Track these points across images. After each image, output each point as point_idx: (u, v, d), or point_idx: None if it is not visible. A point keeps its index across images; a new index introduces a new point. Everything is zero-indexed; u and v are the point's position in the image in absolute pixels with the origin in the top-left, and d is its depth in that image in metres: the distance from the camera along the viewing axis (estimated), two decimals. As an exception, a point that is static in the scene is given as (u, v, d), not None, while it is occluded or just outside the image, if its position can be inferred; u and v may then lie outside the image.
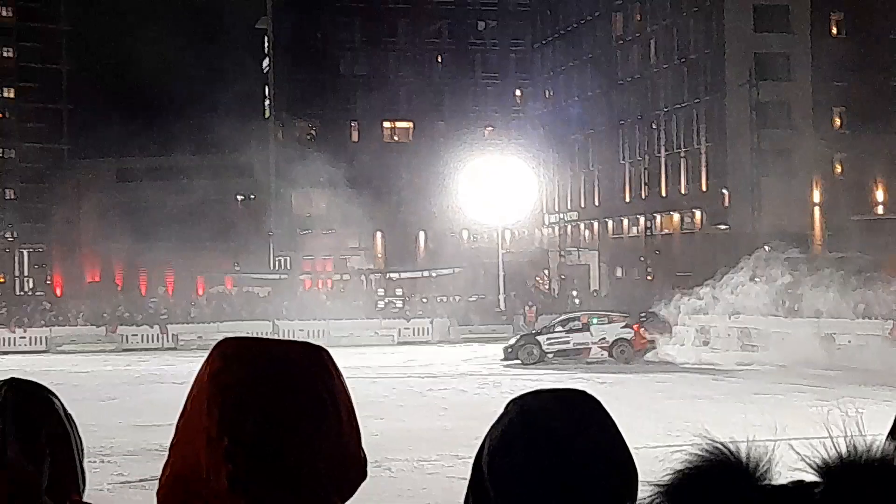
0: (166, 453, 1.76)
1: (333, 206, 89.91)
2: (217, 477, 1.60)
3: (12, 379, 2.04)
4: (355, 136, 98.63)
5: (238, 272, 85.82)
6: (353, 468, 1.74)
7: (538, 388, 1.79)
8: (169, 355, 49.17)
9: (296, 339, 1.87)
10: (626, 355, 41.70)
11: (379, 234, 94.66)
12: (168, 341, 55.73)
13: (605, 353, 42.08)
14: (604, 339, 42.34)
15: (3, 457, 1.90)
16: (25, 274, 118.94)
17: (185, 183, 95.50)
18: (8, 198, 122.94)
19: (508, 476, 1.60)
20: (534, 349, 42.39)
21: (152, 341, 56.13)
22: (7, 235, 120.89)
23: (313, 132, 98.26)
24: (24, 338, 55.71)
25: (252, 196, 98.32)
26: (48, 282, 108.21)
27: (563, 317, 45.81)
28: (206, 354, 1.81)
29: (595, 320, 43.43)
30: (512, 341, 44.11)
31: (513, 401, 1.70)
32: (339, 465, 1.69)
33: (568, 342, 42.67)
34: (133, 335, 56.62)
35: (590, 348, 42.32)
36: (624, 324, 43.14)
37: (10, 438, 1.92)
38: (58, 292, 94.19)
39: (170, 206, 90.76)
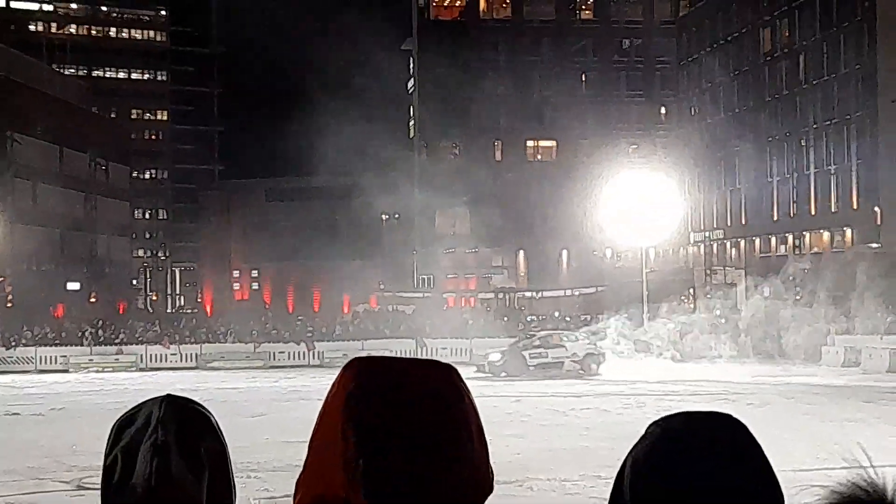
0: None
1: (477, 224, 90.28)
2: (355, 499, 1.59)
3: (169, 395, 2.05)
4: (498, 155, 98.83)
5: (383, 290, 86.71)
6: (484, 485, 1.71)
7: (682, 410, 1.72)
8: (315, 372, 49.74)
9: (428, 357, 1.84)
10: (595, 367, 47.97)
11: (521, 253, 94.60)
12: (314, 358, 56.51)
13: (578, 367, 47.83)
14: (575, 353, 48.55)
15: (168, 472, 1.92)
16: (177, 292, 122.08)
17: (332, 202, 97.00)
18: (161, 218, 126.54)
19: (650, 499, 1.57)
20: (519, 363, 47.82)
21: (299, 358, 56.96)
22: (160, 254, 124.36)
23: (457, 151, 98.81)
24: (176, 354, 57.11)
25: (397, 215, 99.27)
26: (199, 299, 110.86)
27: (542, 334, 51.78)
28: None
29: (564, 337, 49.98)
30: (496, 357, 48.49)
31: (656, 423, 1.66)
32: (473, 484, 1.68)
33: (546, 356, 48.41)
34: (280, 352, 57.54)
35: (563, 362, 48.10)
36: (588, 341, 49.69)
37: (172, 453, 1.94)
38: (208, 310, 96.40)
39: (316, 226, 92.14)
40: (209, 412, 2.07)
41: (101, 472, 2.00)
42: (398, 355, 1.86)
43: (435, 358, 1.93)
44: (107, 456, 1.99)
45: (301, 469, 1.74)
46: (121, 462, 1.96)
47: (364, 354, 1.85)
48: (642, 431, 1.67)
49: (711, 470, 1.54)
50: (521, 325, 61.58)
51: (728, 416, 1.65)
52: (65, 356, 56.26)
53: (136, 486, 1.92)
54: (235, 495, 2.05)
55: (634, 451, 1.63)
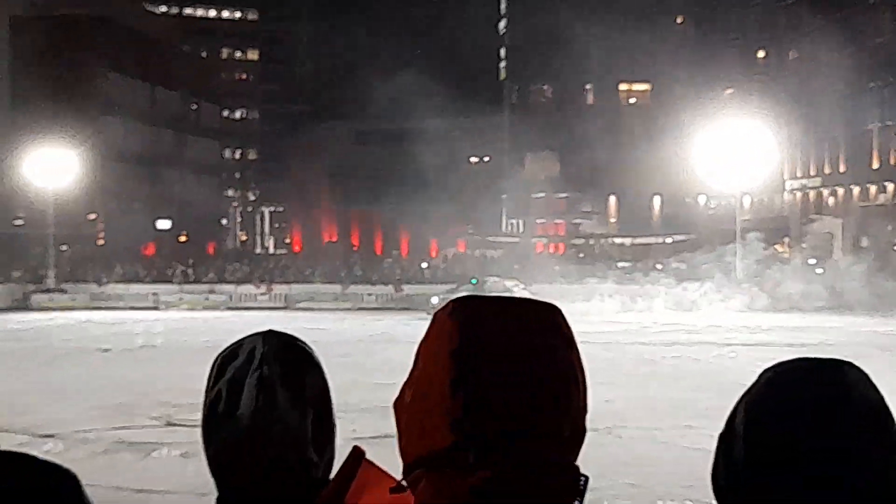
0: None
1: (567, 169, 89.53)
2: (463, 451, 1.57)
3: (271, 331, 2.03)
4: (591, 99, 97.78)
5: (471, 234, 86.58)
6: (583, 435, 1.67)
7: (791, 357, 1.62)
8: (402, 315, 49.81)
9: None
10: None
11: (612, 199, 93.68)
12: (402, 301, 56.56)
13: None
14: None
15: (274, 405, 1.92)
16: (266, 233, 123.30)
17: (420, 146, 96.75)
18: (250, 158, 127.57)
19: (762, 447, 1.54)
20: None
21: (386, 300, 57.06)
22: (249, 195, 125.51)
23: (548, 94, 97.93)
24: (265, 295, 57.57)
25: (486, 159, 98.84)
26: (287, 241, 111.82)
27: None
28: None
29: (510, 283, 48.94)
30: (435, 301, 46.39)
31: (770, 368, 1.61)
32: (576, 437, 1.64)
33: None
34: (368, 294, 57.71)
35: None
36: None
37: (277, 387, 1.95)
38: (296, 250, 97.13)
39: (405, 169, 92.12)
40: (311, 348, 2.07)
41: (202, 406, 2.01)
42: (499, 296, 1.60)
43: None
44: (210, 389, 2.01)
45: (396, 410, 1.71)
46: (225, 395, 1.97)
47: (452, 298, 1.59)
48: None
49: (829, 415, 1.54)
50: (611, 271, 60.94)
51: (846, 362, 1.63)
52: (155, 294, 57.04)
53: (241, 418, 1.93)
54: (336, 432, 2.08)
55: (748, 395, 1.60)
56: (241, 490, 1.92)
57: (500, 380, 1.58)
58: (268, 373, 1.95)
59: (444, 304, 1.73)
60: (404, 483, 1.65)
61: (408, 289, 57.49)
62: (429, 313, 50.19)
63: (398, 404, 1.70)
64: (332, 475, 2.02)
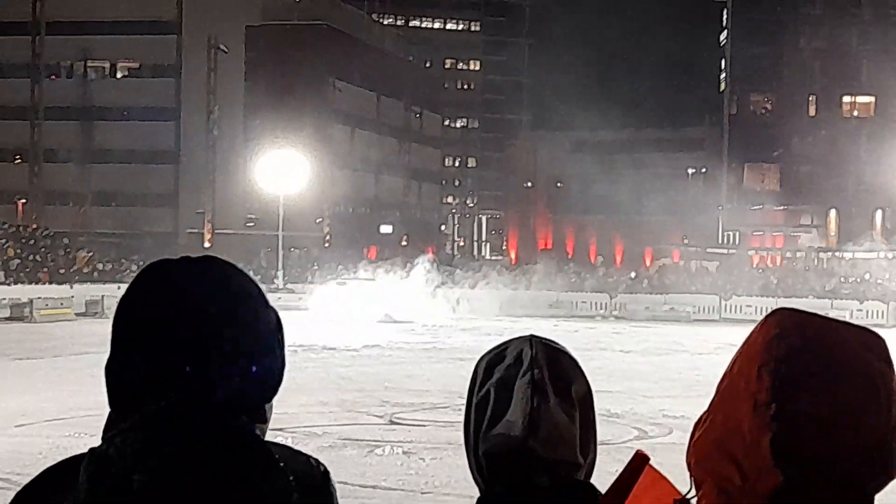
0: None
1: (787, 181, 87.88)
2: (759, 444, 1.58)
3: (534, 336, 2.08)
4: (812, 111, 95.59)
5: (686, 245, 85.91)
6: (891, 461, 1.62)
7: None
8: (615, 324, 50.03)
9: (853, 321, 1.74)
10: None
11: (833, 212, 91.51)
12: (615, 310, 56.79)
13: None
14: None
15: (547, 409, 1.95)
16: (483, 239, 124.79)
17: (638, 156, 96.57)
18: (470, 166, 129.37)
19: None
20: None
21: (599, 308, 57.35)
22: (468, 202, 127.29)
23: (768, 105, 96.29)
24: (480, 300, 58.27)
25: (703, 169, 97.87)
26: (503, 247, 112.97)
27: None
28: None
29: None
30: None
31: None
32: (879, 454, 1.60)
33: None
34: (581, 302, 58.02)
35: None
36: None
37: (549, 392, 1.98)
38: (512, 257, 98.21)
39: (619, 178, 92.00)
40: (573, 354, 2.12)
41: (466, 408, 2.07)
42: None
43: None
44: (476, 391, 2.04)
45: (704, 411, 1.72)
46: (493, 396, 1.99)
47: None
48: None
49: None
50: (830, 286, 59.84)
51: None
52: (376, 295, 58.36)
53: (514, 422, 1.95)
54: (597, 436, 2.09)
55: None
56: (513, 491, 1.95)
57: (810, 375, 1.60)
58: (539, 376, 1.98)
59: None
60: (690, 497, 1.68)
61: (621, 298, 57.71)
62: (636, 322, 50.35)
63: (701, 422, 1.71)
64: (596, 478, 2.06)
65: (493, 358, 2.06)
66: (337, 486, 1.75)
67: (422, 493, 13.29)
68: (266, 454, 1.64)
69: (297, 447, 1.83)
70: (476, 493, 2.05)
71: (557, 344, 2.10)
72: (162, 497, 1.57)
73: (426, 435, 17.86)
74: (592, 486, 2.00)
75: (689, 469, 1.69)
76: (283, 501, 1.62)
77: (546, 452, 1.94)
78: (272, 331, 1.79)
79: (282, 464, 1.64)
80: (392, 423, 19.37)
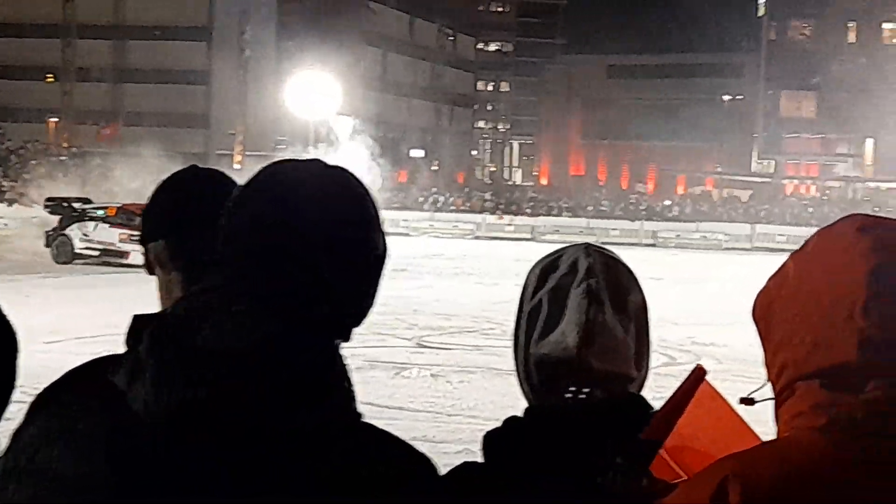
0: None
1: (823, 109, 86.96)
2: (868, 382, 1.48)
3: (590, 244, 2.04)
4: (852, 37, 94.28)
5: (720, 173, 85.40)
6: None
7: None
8: (648, 251, 49.85)
9: None
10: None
11: (870, 141, 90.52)
12: (646, 237, 56.53)
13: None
14: None
15: (603, 319, 1.91)
16: (514, 164, 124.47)
17: (673, 81, 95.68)
18: (502, 90, 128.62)
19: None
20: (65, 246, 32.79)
21: (630, 236, 57.12)
22: (499, 126, 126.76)
23: (807, 32, 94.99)
24: (511, 226, 58.41)
25: (739, 96, 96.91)
26: (535, 172, 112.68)
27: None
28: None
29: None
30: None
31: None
32: None
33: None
34: (613, 229, 57.78)
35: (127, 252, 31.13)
36: None
37: (605, 302, 1.93)
38: (543, 183, 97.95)
39: (656, 104, 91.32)
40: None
41: (517, 315, 2.00)
42: None
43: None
44: (528, 299, 1.99)
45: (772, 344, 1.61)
46: (546, 305, 1.95)
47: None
48: None
49: None
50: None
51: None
52: (406, 220, 58.43)
53: (567, 331, 1.91)
54: (651, 349, 2.03)
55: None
56: (566, 401, 1.91)
57: None
58: (595, 285, 1.92)
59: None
60: (755, 397, 1.62)
61: (653, 226, 57.45)
62: (667, 249, 50.00)
63: (764, 313, 1.62)
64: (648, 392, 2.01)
65: (547, 265, 2.01)
66: (364, 406, 1.59)
67: (448, 416, 13.27)
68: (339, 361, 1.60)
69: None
70: (503, 414, 1.97)
71: (613, 253, 2.03)
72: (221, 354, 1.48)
73: (454, 358, 17.87)
74: (645, 400, 1.95)
75: (768, 368, 1.60)
76: (337, 405, 1.56)
77: (600, 364, 1.90)
78: (380, 257, 1.69)
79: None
80: (420, 345, 19.42)
